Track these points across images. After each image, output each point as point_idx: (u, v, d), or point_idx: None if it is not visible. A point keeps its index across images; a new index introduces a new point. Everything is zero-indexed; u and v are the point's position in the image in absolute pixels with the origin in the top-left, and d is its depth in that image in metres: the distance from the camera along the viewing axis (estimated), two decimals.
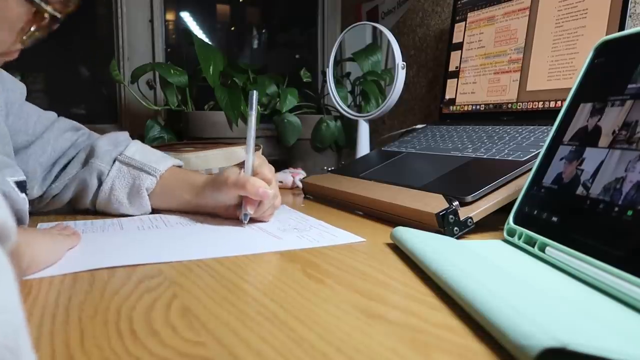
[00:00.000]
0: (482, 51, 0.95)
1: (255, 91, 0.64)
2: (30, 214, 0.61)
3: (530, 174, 0.53)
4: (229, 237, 0.59)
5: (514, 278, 0.41)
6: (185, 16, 1.59)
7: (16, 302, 0.20)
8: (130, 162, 0.69)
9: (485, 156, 0.70)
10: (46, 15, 0.41)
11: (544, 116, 0.78)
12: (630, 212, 0.38)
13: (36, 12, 0.41)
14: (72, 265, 0.46)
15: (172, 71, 1.18)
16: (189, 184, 0.70)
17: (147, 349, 0.30)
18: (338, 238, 0.57)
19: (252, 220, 0.65)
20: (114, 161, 0.69)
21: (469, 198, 0.58)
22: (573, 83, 0.53)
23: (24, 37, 0.42)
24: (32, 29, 0.42)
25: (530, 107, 0.83)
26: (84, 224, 0.65)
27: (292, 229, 0.62)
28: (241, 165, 0.65)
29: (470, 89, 0.96)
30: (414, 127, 1.02)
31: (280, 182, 1.02)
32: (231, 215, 0.66)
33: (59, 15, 0.42)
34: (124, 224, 0.65)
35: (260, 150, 1.06)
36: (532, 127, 0.74)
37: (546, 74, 0.80)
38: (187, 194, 0.70)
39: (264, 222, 0.66)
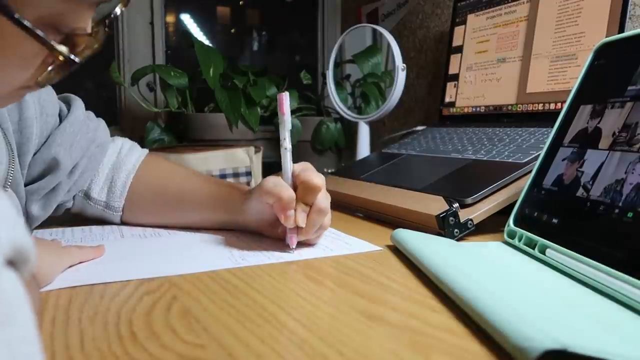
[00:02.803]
0: (481, 53, 0.95)
1: (284, 93, 0.55)
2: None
3: (531, 176, 0.53)
4: (237, 246, 0.55)
5: (514, 280, 0.41)
6: (186, 18, 1.59)
7: (35, 340, 0.18)
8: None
9: (485, 158, 0.70)
10: (61, 57, 0.35)
11: (544, 118, 0.78)
12: (630, 214, 0.38)
13: (50, 53, 0.35)
14: (70, 280, 0.44)
15: (172, 73, 1.18)
16: (224, 203, 0.62)
17: (147, 352, 0.30)
18: (352, 247, 0.54)
19: (229, 230, 0.61)
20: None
21: (469, 200, 0.58)
22: (573, 85, 0.53)
23: (39, 78, 0.37)
24: (49, 69, 0.36)
25: (531, 109, 0.83)
26: (82, 231, 0.63)
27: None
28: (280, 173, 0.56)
29: (470, 91, 0.96)
30: (414, 129, 1.02)
31: None
32: (278, 236, 0.57)
33: (76, 60, 0.36)
34: (124, 231, 0.63)
35: (261, 152, 1.06)
36: (532, 129, 0.74)
37: (546, 75, 0.80)
38: (223, 214, 0.62)
39: (312, 245, 0.56)
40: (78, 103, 0.64)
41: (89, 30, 0.37)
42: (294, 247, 0.53)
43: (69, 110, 0.62)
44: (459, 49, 1.00)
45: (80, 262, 0.49)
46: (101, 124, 0.66)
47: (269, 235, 0.59)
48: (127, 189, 0.65)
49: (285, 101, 0.54)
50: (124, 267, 0.48)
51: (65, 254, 0.48)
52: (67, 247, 0.51)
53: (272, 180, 0.54)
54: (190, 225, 0.64)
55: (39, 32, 0.33)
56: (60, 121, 0.61)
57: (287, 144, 0.54)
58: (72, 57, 0.35)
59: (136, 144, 0.70)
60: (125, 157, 0.66)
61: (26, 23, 0.32)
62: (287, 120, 0.54)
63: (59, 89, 0.70)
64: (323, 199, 0.53)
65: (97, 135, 0.64)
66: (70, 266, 0.48)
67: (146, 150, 0.69)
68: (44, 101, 0.59)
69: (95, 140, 0.64)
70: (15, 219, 0.20)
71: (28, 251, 0.20)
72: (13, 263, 0.20)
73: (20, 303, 0.18)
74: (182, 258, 0.52)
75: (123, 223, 0.67)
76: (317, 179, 0.53)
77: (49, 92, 0.60)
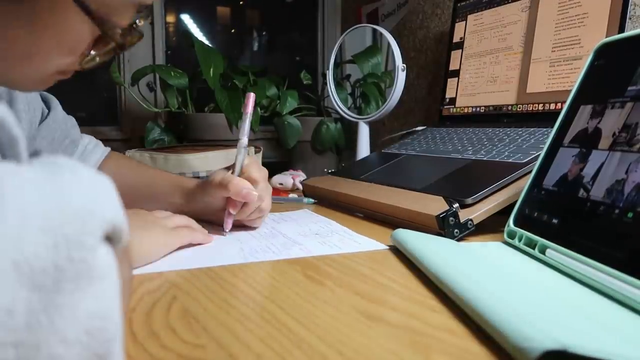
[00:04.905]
0: (482, 53, 0.95)
1: (253, 93, 0.63)
2: None
3: (531, 176, 0.53)
4: (249, 243, 0.56)
5: (514, 280, 0.41)
6: (186, 18, 1.59)
7: (116, 311, 0.19)
8: None
9: (485, 158, 0.70)
10: (112, 43, 0.38)
11: (544, 118, 0.78)
12: (630, 214, 0.38)
13: (100, 37, 0.38)
14: None
15: (172, 73, 1.18)
16: (181, 188, 0.67)
17: (147, 351, 0.30)
18: (361, 245, 0.56)
19: (242, 227, 0.63)
20: None
21: (469, 200, 0.58)
22: (573, 85, 0.53)
23: (84, 61, 0.39)
24: (94, 53, 0.39)
25: (531, 109, 0.83)
26: None
27: (312, 235, 0.60)
28: (231, 167, 0.62)
29: (470, 90, 0.96)
30: (414, 129, 1.02)
31: (281, 184, 1.02)
32: (222, 220, 0.62)
33: (125, 44, 0.39)
34: None
35: (261, 152, 1.06)
36: (532, 129, 0.74)
37: (546, 76, 0.80)
38: (178, 199, 0.67)
39: (254, 227, 0.64)
40: (56, 101, 0.68)
41: (128, 23, 0.40)
42: (227, 230, 0.61)
43: (47, 107, 0.66)
44: (460, 45, 1.00)
45: (190, 245, 0.51)
46: (73, 120, 0.70)
47: (214, 220, 0.64)
48: None
49: (251, 101, 0.62)
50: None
51: (175, 235, 0.49)
52: (178, 227, 0.52)
53: (220, 174, 0.61)
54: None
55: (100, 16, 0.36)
56: (42, 117, 0.65)
57: (244, 141, 0.62)
58: (123, 42, 0.38)
59: (100, 142, 0.74)
60: (90, 153, 0.70)
61: (90, 7, 0.35)
62: (248, 119, 0.62)
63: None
64: (260, 189, 0.60)
65: (71, 132, 0.68)
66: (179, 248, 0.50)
67: (109, 149, 0.74)
68: (30, 97, 0.62)
69: (69, 136, 0.68)
70: (117, 198, 0.21)
71: (123, 230, 0.21)
72: (109, 239, 0.20)
73: (111, 274, 0.20)
74: (193, 253, 0.52)
75: None
76: (256, 172, 0.61)
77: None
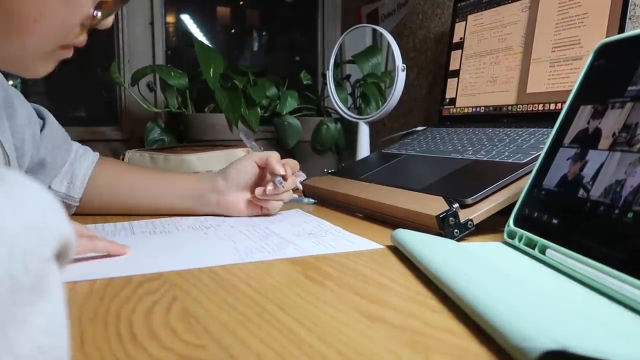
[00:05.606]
0: (482, 53, 0.95)
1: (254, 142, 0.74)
2: None
3: (531, 176, 0.53)
4: (243, 243, 0.57)
5: (515, 280, 0.41)
6: (186, 18, 1.59)
7: (65, 329, 0.19)
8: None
9: (485, 158, 0.70)
10: None
11: (544, 118, 0.78)
12: (630, 214, 0.38)
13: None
14: (73, 274, 0.44)
15: (172, 73, 1.18)
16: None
17: (147, 352, 0.30)
18: (355, 244, 0.56)
19: (232, 226, 0.65)
20: None
21: (469, 200, 0.58)
22: (573, 85, 0.53)
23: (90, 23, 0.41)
24: (97, 13, 0.41)
25: (531, 109, 0.83)
26: (94, 228, 0.64)
27: (306, 234, 0.61)
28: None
29: (470, 90, 0.96)
30: (414, 129, 1.02)
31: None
32: (240, 211, 0.72)
33: None
34: (135, 228, 0.64)
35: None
36: (532, 129, 0.74)
37: (546, 76, 0.80)
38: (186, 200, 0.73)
39: (269, 215, 0.72)
40: (48, 112, 0.72)
41: None
42: (281, 185, 0.69)
43: (42, 119, 0.70)
44: (460, 45, 1.00)
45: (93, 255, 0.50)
46: (62, 128, 0.74)
47: (232, 211, 0.72)
48: (87, 181, 0.72)
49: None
50: (130, 263, 0.49)
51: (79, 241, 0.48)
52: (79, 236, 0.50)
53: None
54: (152, 211, 0.74)
55: None
56: (41, 128, 0.69)
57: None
58: None
59: (88, 147, 0.77)
60: (82, 155, 0.74)
61: None
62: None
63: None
64: (289, 184, 0.72)
65: (66, 139, 0.73)
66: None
67: (97, 154, 0.77)
68: (29, 110, 0.67)
69: (65, 143, 0.73)
70: (63, 212, 0.20)
71: (72, 247, 0.20)
72: (57, 256, 0.20)
73: (61, 290, 0.19)
74: (188, 253, 0.53)
75: (76, 213, 0.74)
76: (283, 169, 0.71)
77: (28, 105, 0.68)
